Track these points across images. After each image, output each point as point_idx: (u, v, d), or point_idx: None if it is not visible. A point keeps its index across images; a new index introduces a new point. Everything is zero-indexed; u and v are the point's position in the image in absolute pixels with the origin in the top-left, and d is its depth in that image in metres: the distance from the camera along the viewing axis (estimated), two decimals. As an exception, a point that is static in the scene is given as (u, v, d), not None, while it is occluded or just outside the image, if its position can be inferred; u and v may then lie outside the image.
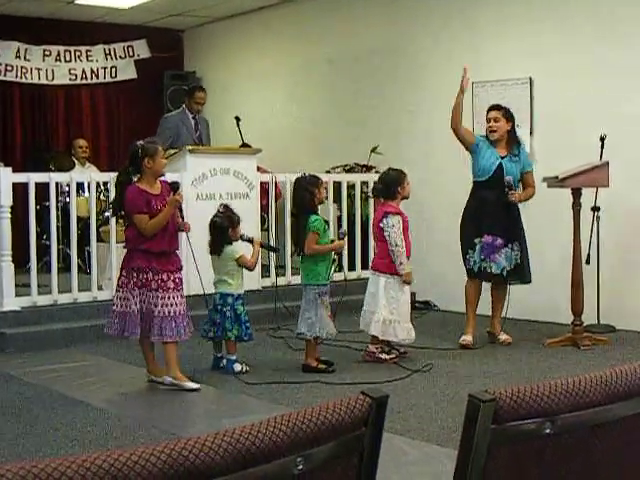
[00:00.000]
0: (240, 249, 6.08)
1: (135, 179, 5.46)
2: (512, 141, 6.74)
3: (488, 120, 6.73)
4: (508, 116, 6.70)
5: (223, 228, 6.01)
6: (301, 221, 6.04)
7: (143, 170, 5.41)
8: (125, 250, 5.65)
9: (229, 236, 6.02)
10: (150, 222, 5.35)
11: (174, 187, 5.54)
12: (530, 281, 6.80)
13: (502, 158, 6.64)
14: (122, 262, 5.60)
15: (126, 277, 5.45)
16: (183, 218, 5.63)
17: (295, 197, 6.13)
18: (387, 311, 6.18)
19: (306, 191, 6.03)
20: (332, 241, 6.16)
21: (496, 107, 6.77)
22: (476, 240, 6.63)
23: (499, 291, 6.84)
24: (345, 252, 8.67)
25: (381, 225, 6.25)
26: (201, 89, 9.22)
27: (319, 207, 6.16)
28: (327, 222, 6.23)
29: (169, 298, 5.40)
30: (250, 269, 6.16)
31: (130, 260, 5.46)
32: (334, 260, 6.15)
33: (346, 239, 6.57)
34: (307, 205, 6.02)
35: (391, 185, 6.30)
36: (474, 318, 6.76)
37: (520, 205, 6.73)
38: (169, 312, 5.40)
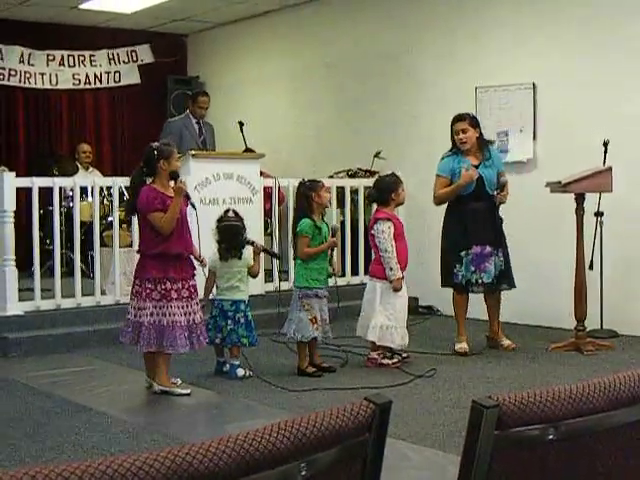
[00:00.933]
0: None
1: (149, 181, 5.45)
2: (482, 146, 6.71)
3: (456, 132, 6.63)
4: (474, 123, 6.65)
5: (243, 232, 6.02)
6: (294, 225, 6.07)
7: (158, 172, 5.38)
8: (137, 256, 5.59)
9: (244, 241, 6.04)
10: (164, 218, 5.31)
11: (174, 176, 5.44)
12: (515, 286, 6.78)
13: (477, 167, 6.62)
14: (135, 270, 5.52)
15: (139, 286, 5.39)
16: (193, 205, 5.55)
17: (295, 202, 6.16)
18: (384, 317, 6.17)
19: (303, 196, 6.04)
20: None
21: (461, 118, 6.68)
22: (462, 253, 6.58)
23: (493, 298, 6.81)
24: (347, 257, 8.68)
25: (372, 232, 6.26)
26: (204, 94, 9.22)
27: (325, 211, 6.17)
28: (319, 227, 6.05)
29: (184, 307, 5.38)
30: (255, 276, 6.17)
31: (143, 270, 5.39)
32: (330, 258, 6.10)
33: (339, 234, 6.52)
34: (302, 210, 6.02)
35: (385, 191, 6.29)
36: (464, 325, 6.74)
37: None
38: (185, 321, 5.36)
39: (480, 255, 6.56)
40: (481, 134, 6.70)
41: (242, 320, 5.95)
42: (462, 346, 6.67)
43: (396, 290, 6.17)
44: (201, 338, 5.47)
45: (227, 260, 6.01)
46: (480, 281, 6.59)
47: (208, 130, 9.08)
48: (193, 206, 5.55)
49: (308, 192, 6.01)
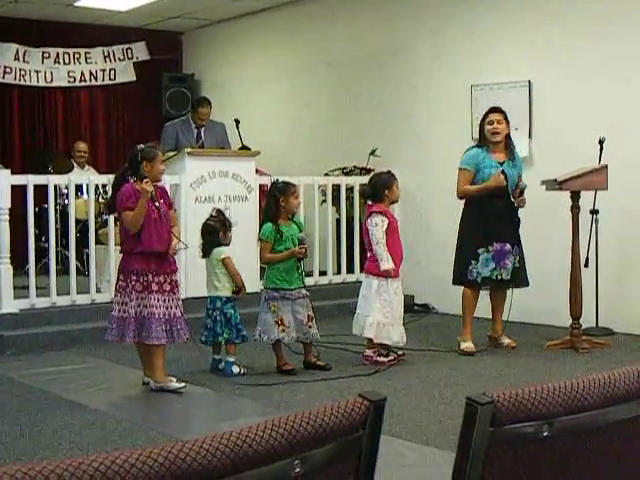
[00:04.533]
0: (227, 251, 6.06)
1: (132, 180, 5.47)
2: (509, 145, 6.72)
3: (491, 122, 6.60)
4: (507, 119, 6.67)
5: (215, 230, 6.02)
6: (260, 228, 6.05)
7: (140, 174, 5.42)
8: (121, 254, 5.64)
9: (220, 239, 6.03)
10: (129, 217, 5.35)
11: (142, 177, 5.39)
12: (529, 284, 6.78)
13: (501, 164, 6.61)
14: (119, 265, 5.59)
15: (124, 281, 5.45)
16: (159, 209, 5.47)
17: (265, 202, 6.08)
18: (381, 314, 6.16)
19: (272, 198, 5.97)
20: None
21: (497, 109, 6.68)
22: (480, 250, 6.54)
23: (499, 296, 6.81)
24: (343, 255, 8.68)
25: (366, 225, 6.26)
26: (206, 104, 8.95)
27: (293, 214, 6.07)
28: (281, 231, 5.91)
29: (165, 300, 5.43)
30: (233, 275, 6.01)
31: (128, 263, 5.46)
32: (298, 267, 5.93)
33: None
34: (269, 212, 5.96)
35: (379, 188, 6.28)
36: (471, 323, 6.73)
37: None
38: (163, 314, 5.41)
39: (501, 252, 6.55)
40: (510, 133, 6.69)
41: (219, 317, 5.96)
42: (468, 345, 6.61)
43: (386, 272, 6.13)
44: (181, 332, 5.50)
45: (203, 257, 6.08)
46: (500, 277, 6.58)
47: (213, 132, 8.85)
48: (158, 209, 5.47)
49: (278, 195, 5.92)
